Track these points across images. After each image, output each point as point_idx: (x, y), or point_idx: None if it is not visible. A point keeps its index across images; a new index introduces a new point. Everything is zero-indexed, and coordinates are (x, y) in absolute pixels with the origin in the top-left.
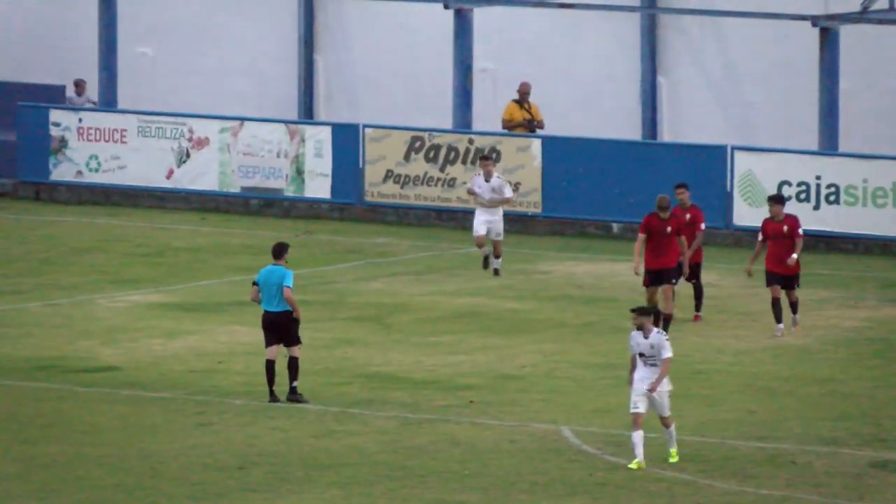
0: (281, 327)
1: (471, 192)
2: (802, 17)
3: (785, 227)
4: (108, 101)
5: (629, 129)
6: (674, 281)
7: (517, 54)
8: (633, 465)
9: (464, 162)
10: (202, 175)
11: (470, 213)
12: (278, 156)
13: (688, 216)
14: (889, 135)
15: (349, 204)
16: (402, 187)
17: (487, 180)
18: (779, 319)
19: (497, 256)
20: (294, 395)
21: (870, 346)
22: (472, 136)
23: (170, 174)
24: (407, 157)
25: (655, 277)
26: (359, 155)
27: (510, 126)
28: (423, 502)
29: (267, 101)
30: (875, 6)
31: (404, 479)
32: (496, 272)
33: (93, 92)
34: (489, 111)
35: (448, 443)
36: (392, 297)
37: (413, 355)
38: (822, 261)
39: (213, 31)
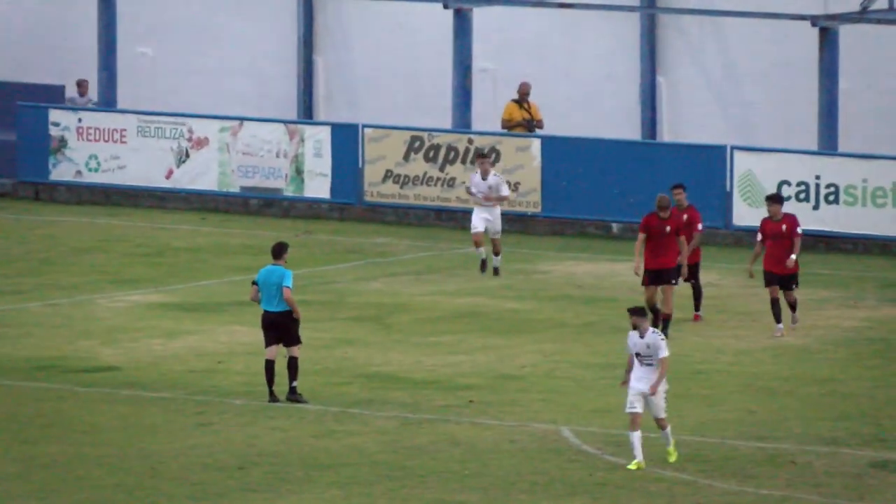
0: (281, 327)
1: (469, 193)
2: (802, 17)
3: (784, 227)
4: (107, 101)
5: (629, 128)
6: (673, 281)
7: (517, 54)
8: (632, 466)
9: (463, 162)
10: (202, 175)
11: (469, 213)
12: (278, 156)
13: (685, 217)
14: (888, 135)
15: (349, 204)
16: (401, 187)
17: (484, 178)
18: (778, 319)
19: (496, 254)
20: (294, 395)
21: (869, 346)
22: (472, 136)
23: (169, 174)
24: (406, 157)
25: (655, 277)
26: (358, 155)
27: (510, 126)
28: (423, 502)
29: (266, 101)
30: (874, 6)
31: (404, 479)
32: (496, 271)
33: (93, 92)
34: (489, 111)
35: (448, 443)
36: (392, 297)
37: (413, 355)
38: (822, 261)
39: (213, 31)
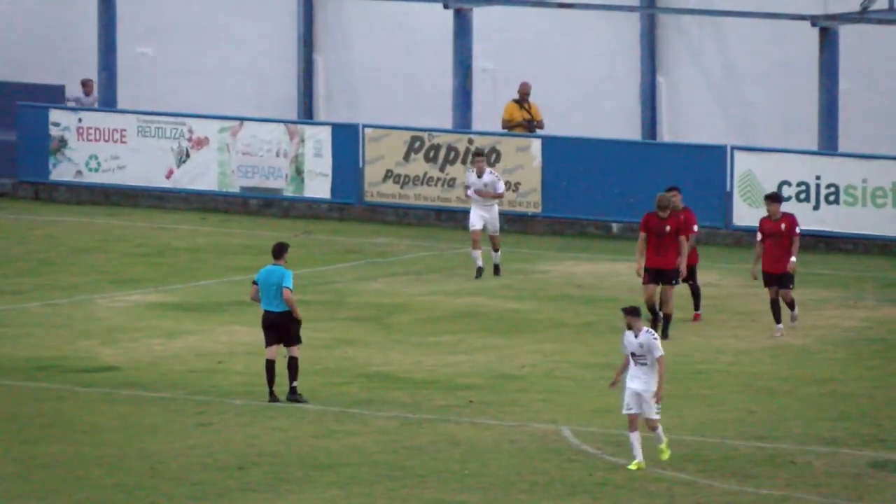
0: (281, 327)
1: (467, 195)
2: (802, 17)
3: (782, 226)
4: (107, 101)
5: (629, 128)
6: (673, 282)
7: (517, 54)
8: (632, 466)
9: (463, 162)
10: (202, 175)
11: (469, 213)
12: (278, 155)
13: (681, 218)
14: (889, 135)
15: (349, 204)
16: (401, 187)
17: (480, 176)
18: (778, 320)
19: (495, 250)
20: (294, 395)
21: (869, 346)
22: (472, 136)
23: (169, 174)
24: (406, 157)
25: (654, 276)
26: (358, 155)
27: (510, 126)
28: (422, 502)
29: (266, 101)
30: (875, 6)
31: (404, 479)
32: (497, 269)
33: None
34: (489, 111)
35: (448, 443)
36: (392, 297)
37: (413, 355)
38: (822, 261)
39: (213, 31)
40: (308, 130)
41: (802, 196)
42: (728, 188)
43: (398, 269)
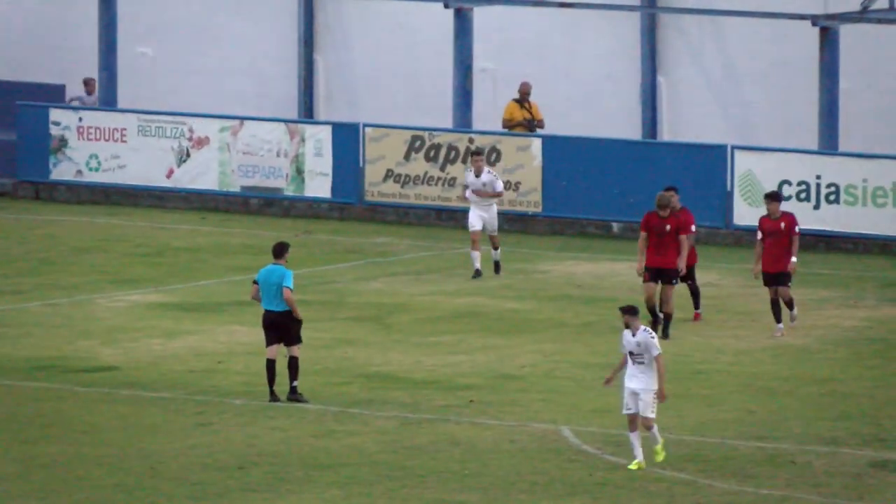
0: (281, 327)
1: (465, 197)
2: (802, 17)
3: (782, 224)
4: (108, 101)
5: (629, 128)
6: (674, 281)
7: (517, 54)
8: (632, 466)
9: (464, 161)
10: (202, 174)
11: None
12: (278, 155)
13: (681, 218)
14: (889, 134)
15: (349, 203)
16: (402, 187)
17: (478, 176)
18: (778, 319)
19: (495, 248)
20: (294, 395)
21: (869, 346)
22: (473, 136)
23: (170, 173)
24: (407, 157)
25: (655, 274)
26: (359, 154)
27: (510, 126)
28: (422, 502)
29: (267, 101)
30: (875, 6)
31: (404, 478)
32: (497, 266)
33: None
34: (489, 111)
35: (448, 443)
36: (392, 297)
37: (413, 355)
38: (822, 260)
39: (213, 31)
40: (308, 130)
41: (803, 196)
42: (728, 188)
43: (398, 269)
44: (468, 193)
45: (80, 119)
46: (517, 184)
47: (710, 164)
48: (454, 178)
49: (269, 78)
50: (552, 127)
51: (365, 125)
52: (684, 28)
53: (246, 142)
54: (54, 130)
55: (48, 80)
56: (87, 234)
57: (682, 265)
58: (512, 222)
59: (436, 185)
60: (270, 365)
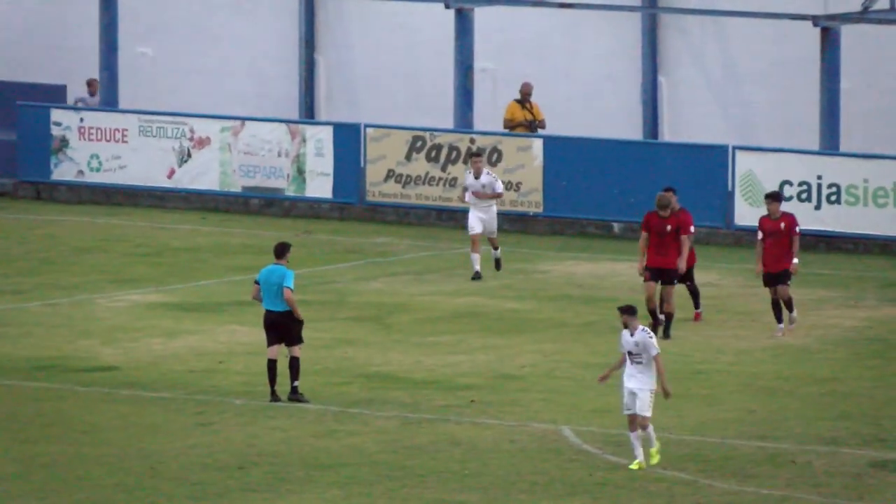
0: (282, 327)
1: (464, 200)
2: (803, 17)
3: (782, 225)
4: (109, 101)
5: (630, 128)
6: (674, 281)
7: (517, 54)
8: (633, 466)
9: (465, 162)
10: (203, 175)
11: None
12: (279, 155)
13: (681, 218)
14: (890, 134)
15: (350, 203)
16: (403, 187)
17: (477, 178)
18: (779, 319)
19: (495, 248)
20: (295, 395)
21: (869, 346)
22: (474, 136)
23: (171, 174)
24: (408, 157)
25: (655, 274)
26: (360, 154)
27: (511, 126)
28: (422, 502)
29: (267, 102)
30: (876, 6)
31: (404, 478)
32: (498, 263)
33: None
34: (489, 111)
35: (448, 442)
36: (392, 297)
37: (413, 355)
38: (823, 260)
39: (214, 30)
40: (309, 130)
41: (804, 196)
42: (729, 188)
43: (398, 269)
44: (468, 196)
45: (82, 119)
46: (518, 184)
47: (710, 164)
48: (455, 179)
49: (269, 78)
50: (553, 127)
51: (366, 125)
52: (685, 28)
53: (247, 142)
54: (55, 131)
55: (48, 81)
56: (87, 234)
57: (682, 265)
58: (512, 222)
59: (437, 185)
60: (271, 365)
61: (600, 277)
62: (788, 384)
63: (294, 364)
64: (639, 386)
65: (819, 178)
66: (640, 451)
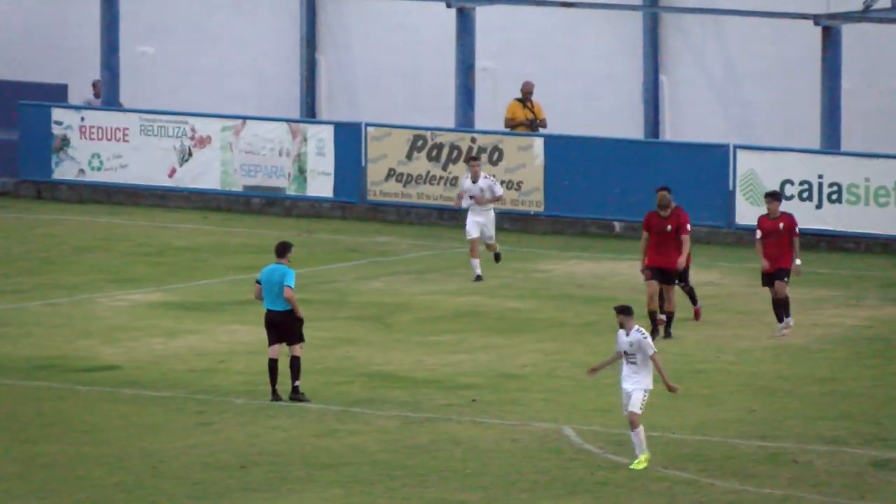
0: (283, 327)
1: (460, 206)
2: (804, 16)
3: (781, 224)
4: (110, 101)
5: (631, 128)
6: (675, 281)
7: (518, 53)
8: (636, 465)
9: (466, 161)
10: (204, 174)
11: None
12: (280, 154)
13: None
14: (891, 134)
15: (351, 203)
16: (404, 186)
17: (475, 181)
18: (780, 319)
19: (493, 251)
20: (296, 395)
21: (870, 346)
22: (475, 135)
23: (172, 173)
24: (409, 156)
25: (656, 274)
26: (361, 153)
27: (512, 125)
28: (423, 501)
29: (268, 101)
30: (877, 5)
31: (405, 478)
32: (497, 257)
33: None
34: (490, 110)
35: (449, 442)
36: (393, 297)
37: (414, 354)
38: (824, 260)
39: (214, 30)
40: (310, 129)
41: (805, 195)
42: (730, 187)
43: (399, 269)
44: (464, 201)
45: (83, 119)
46: (519, 183)
47: (711, 163)
48: (456, 178)
49: (270, 78)
50: (554, 126)
51: (367, 124)
52: (686, 27)
53: (248, 141)
54: (56, 130)
55: (49, 80)
56: (88, 234)
57: (682, 262)
58: (513, 221)
59: (437, 184)
60: (272, 365)
61: (601, 277)
62: (789, 384)
63: (295, 363)
64: (633, 386)
65: (820, 177)
66: (642, 448)
